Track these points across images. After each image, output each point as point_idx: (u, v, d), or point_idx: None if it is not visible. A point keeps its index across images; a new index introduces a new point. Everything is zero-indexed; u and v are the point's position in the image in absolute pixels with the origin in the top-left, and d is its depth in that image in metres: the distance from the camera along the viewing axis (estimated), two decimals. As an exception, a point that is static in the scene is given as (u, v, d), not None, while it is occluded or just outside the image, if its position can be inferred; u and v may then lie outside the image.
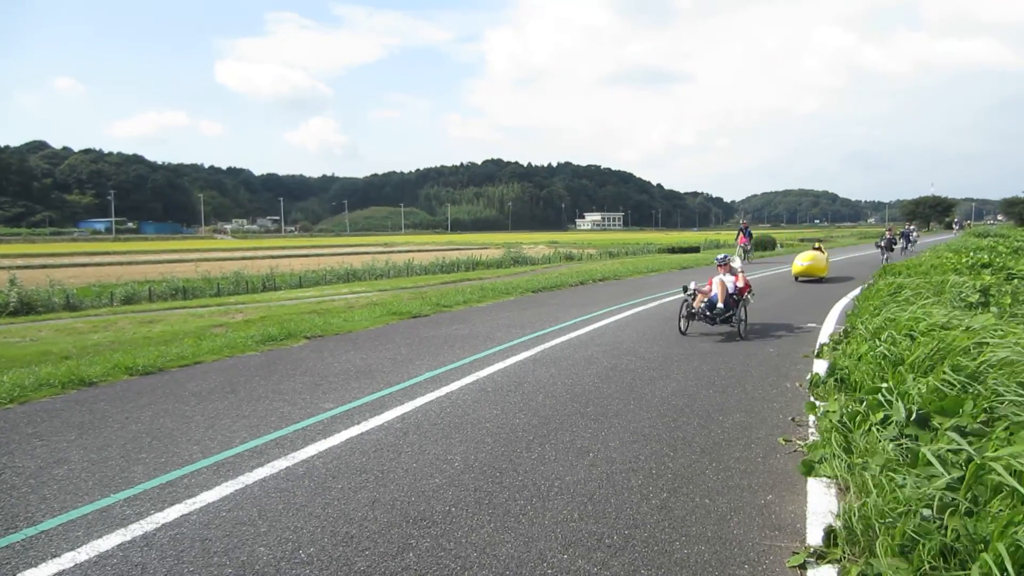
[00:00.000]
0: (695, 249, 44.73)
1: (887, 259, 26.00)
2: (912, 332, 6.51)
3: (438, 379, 7.32)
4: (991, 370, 4.61)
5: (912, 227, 42.28)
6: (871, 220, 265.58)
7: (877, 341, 6.60)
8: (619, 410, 6.07)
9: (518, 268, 30.01)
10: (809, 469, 4.43)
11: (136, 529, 3.76)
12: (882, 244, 28.52)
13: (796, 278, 19.20)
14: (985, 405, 3.98)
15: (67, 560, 3.42)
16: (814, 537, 3.51)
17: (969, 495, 3.04)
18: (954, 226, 73.54)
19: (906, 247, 35.36)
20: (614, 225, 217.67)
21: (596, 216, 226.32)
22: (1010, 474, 2.93)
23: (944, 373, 4.65)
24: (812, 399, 6.20)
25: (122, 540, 3.63)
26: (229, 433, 5.50)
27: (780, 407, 6.16)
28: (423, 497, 4.18)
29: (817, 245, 21.40)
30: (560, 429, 5.52)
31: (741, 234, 29.98)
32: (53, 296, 17.79)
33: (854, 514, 3.36)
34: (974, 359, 4.92)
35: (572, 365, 7.99)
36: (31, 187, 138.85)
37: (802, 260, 19.33)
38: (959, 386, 4.47)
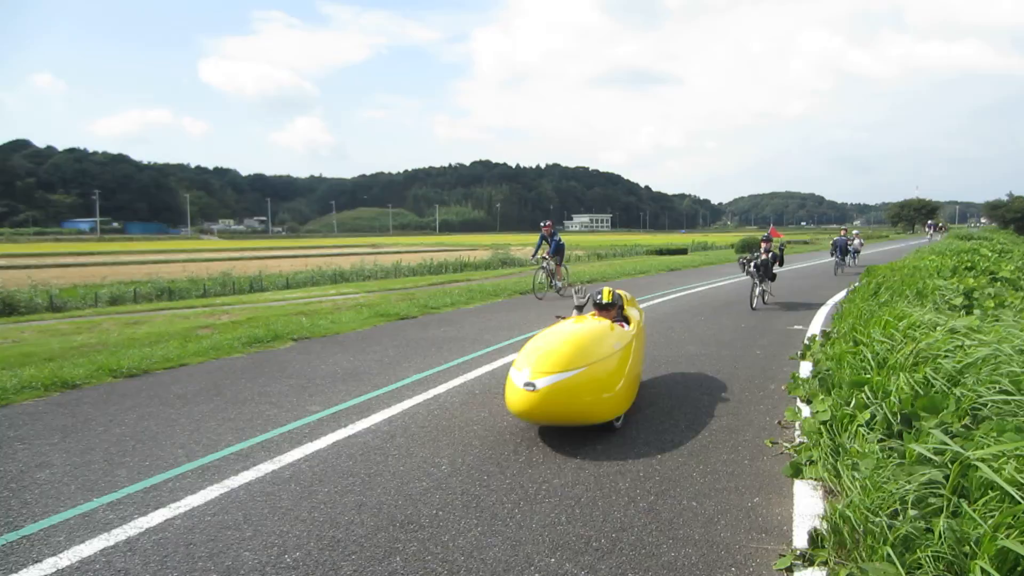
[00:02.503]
0: (683, 251, 44.95)
1: (762, 294, 13.85)
2: (894, 333, 6.54)
3: (426, 381, 7.29)
4: (970, 369, 4.64)
5: (855, 232, 28.84)
6: (857, 222, 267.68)
7: (858, 342, 6.64)
8: (607, 412, 6.06)
9: (506, 270, 29.99)
10: (795, 471, 4.46)
11: (119, 534, 3.72)
12: (751, 268, 13.61)
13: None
14: (968, 406, 4.01)
15: (48, 566, 3.38)
16: (801, 540, 3.53)
17: (955, 496, 3.05)
18: (928, 229, 57.15)
19: (842, 264, 23.77)
20: (602, 227, 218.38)
21: (584, 218, 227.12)
22: (995, 473, 2.95)
23: (925, 373, 4.68)
24: (797, 401, 6.23)
25: (105, 545, 3.59)
26: (214, 436, 5.45)
27: (766, 409, 6.18)
28: (410, 501, 4.16)
29: (603, 298, 6.58)
30: (547, 432, 5.51)
31: None
32: (36, 297, 17.61)
33: (840, 516, 3.37)
34: (956, 359, 4.95)
35: (560, 367, 7.97)
36: (14, 186, 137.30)
37: (532, 365, 5.20)
38: (940, 386, 4.51)
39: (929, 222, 62.53)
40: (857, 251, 27.12)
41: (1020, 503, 2.71)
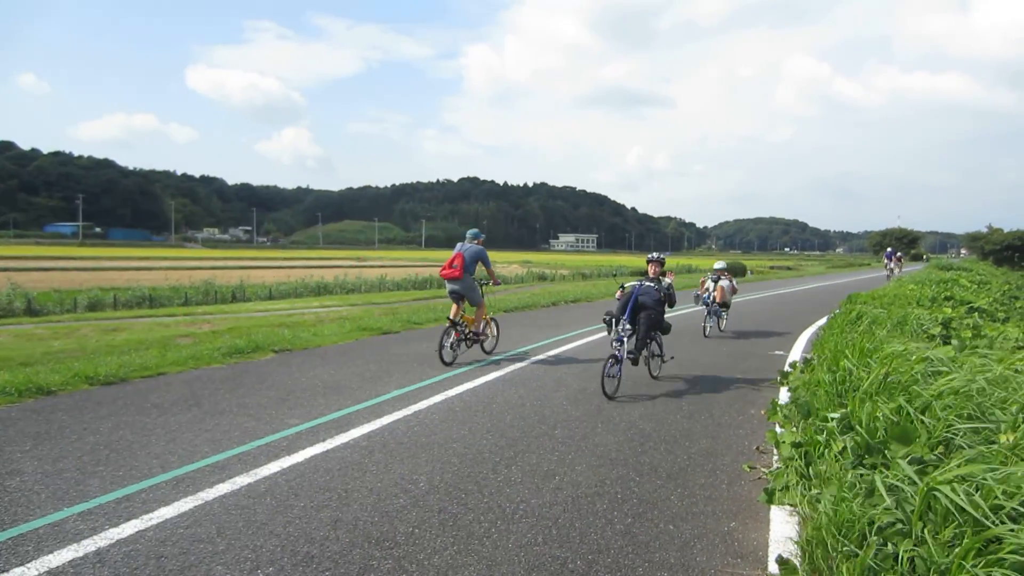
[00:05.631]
0: (667, 273, 44.86)
1: None
2: (869, 362, 6.60)
3: (406, 397, 7.27)
4: (942, 399, 4.69)
5: (718, 267, 13.97)
6: (839, 250, 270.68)
7: (835, 369, 6.69)
8: (586, 433, 6.07)
9: (490, 287, 29.99)
10: (771, 497, 4.47)
11: (89, 545, 3.66)
12: None
13: None
14: (940, 436, 4.05)
15: (15, 576, 3.32)
16: (775, 565, 3.54)
17: (920, 524, 3.08)
18: (886, 260, 38.59)
19: (629, 357, 7.86)
20: (588, 247, 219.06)
21: (570, 237, 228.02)
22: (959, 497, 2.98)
23: (897, 402, 4.73)
24: (776, 426, 6.27)
25: (74, 556, 3.53)
26: (190, 447, 5.39)
27: (745, 434, 6.22)
28: (386, 518, 4.13)
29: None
30: (527, 451, 5.51)
31: None
32: (14, 300, 17.37)
33: (810, 542, 3.39)
34: (930, 389, 5.00)
35: (541, 386, 7.99)
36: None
37: None
38: (912, 415, 4.55)
39: (888, 250, 40.47)
40: (725, 306, 13.74)
41: (987, 528, 2.75)
